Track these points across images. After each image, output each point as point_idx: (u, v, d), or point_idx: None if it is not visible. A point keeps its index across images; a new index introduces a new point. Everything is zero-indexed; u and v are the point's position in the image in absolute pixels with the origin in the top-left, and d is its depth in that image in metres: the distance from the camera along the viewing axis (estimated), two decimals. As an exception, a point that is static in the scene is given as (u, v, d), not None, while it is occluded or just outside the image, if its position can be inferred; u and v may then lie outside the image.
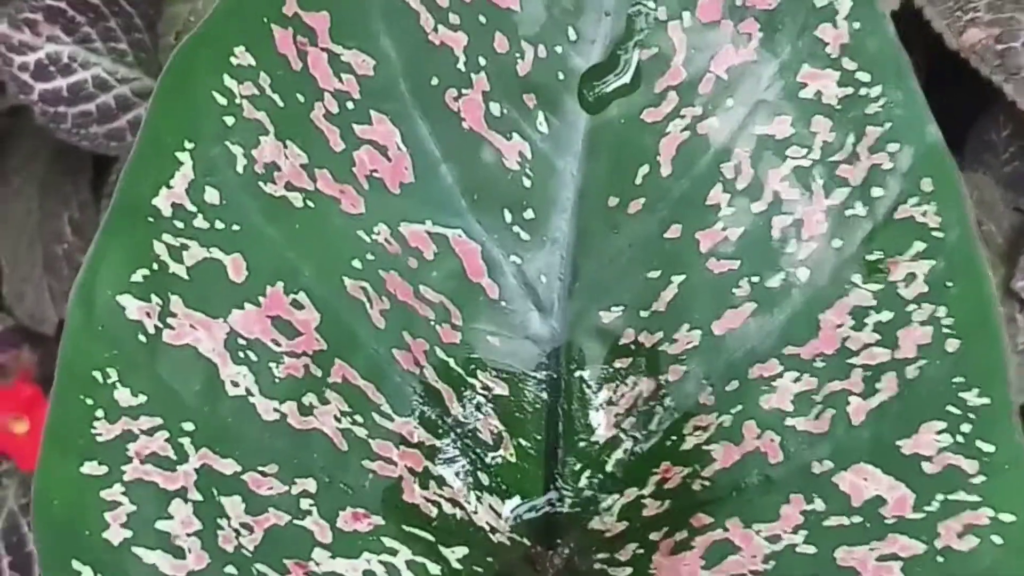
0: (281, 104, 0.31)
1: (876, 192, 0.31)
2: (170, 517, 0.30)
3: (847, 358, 0.31)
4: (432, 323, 0.31)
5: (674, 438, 0.32)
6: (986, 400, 0.30)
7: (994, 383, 0.30)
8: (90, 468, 0.30)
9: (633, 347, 0.32)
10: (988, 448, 0.30)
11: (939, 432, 0.30)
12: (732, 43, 0.31)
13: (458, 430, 0.32)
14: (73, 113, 0.55)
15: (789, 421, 0.31)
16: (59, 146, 0.60)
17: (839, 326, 0.31)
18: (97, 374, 0.30)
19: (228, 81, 0.30)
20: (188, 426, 0.30)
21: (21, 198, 0.65)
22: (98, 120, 0.56)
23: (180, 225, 0.30)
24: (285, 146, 0.31)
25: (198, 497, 0.30)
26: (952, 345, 0.30)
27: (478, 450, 0.32)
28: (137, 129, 0.58)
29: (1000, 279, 0.50)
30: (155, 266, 0.30)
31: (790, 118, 0.31)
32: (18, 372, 0.69)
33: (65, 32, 0.55)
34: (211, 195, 0.30)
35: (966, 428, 0.30)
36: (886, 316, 0.31)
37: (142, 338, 0.30)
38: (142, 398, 0.30)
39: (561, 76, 0.31)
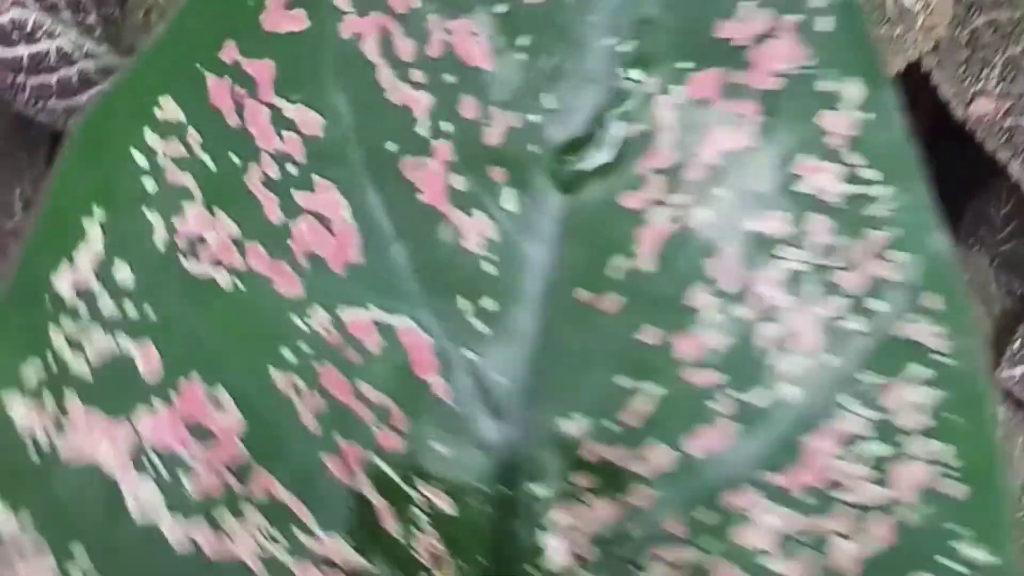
0: (212, 167, 0.31)
1: (876, 305, 0.33)
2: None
3: (834, 493, 0.33)
4: (371, 426, 0.32)
5: (639, 572, 0.33)
6: (996, 560, 0.32)
7: (1003, 540, 0.32)
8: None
9: (597, 463, 0.33)
10: (995, 615, 0.32)
11: (940, 592, 0.32)
12: (726, 125, 0.33)
13: (393, 549, 0.33)
14: (33, 84, 0.58)
15: (767, 563, 0.33)
16: (19, 117, 0.62)
17: (826, 454, 0.33)
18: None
19: (150, 137, 0.31)
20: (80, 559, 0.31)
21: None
22: (57, 94, 0.58)
23: (84, 310, 0.30)
24: (213, 216, 0.31)
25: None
26: (958, 491, 0.32)
27: (414, 573, 0.33)
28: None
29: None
30: (51, 361, 0.30)
31: (785, 214, 0.33)
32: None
33: (32, -3, 0.57)
34: (122, 274, 0.31)
35: (971, 591, 0.32)
36: (880, 448, 0.33)
37: (34, 451, 0.30)
38: (28, 520, 0.30)
39: (534, 149, 0.33)
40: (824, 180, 0.32)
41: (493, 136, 0.32)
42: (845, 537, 0.32)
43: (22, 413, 0.30)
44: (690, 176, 0.32)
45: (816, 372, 0.33)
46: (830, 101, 0.32)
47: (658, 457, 0.33)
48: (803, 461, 0.33)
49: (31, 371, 0.30)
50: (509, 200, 0.32)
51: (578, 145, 0.32)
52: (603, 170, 0.32)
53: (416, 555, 0.33)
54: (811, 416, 0.33)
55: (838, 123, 0.32)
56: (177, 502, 0.31)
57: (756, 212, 0.32)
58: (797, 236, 0.32)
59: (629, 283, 0.33)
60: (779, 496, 0.33)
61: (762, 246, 0.33)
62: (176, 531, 0.31)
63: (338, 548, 0.32)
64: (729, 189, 0.32)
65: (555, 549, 0.33)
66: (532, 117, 0.32)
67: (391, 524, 0.32)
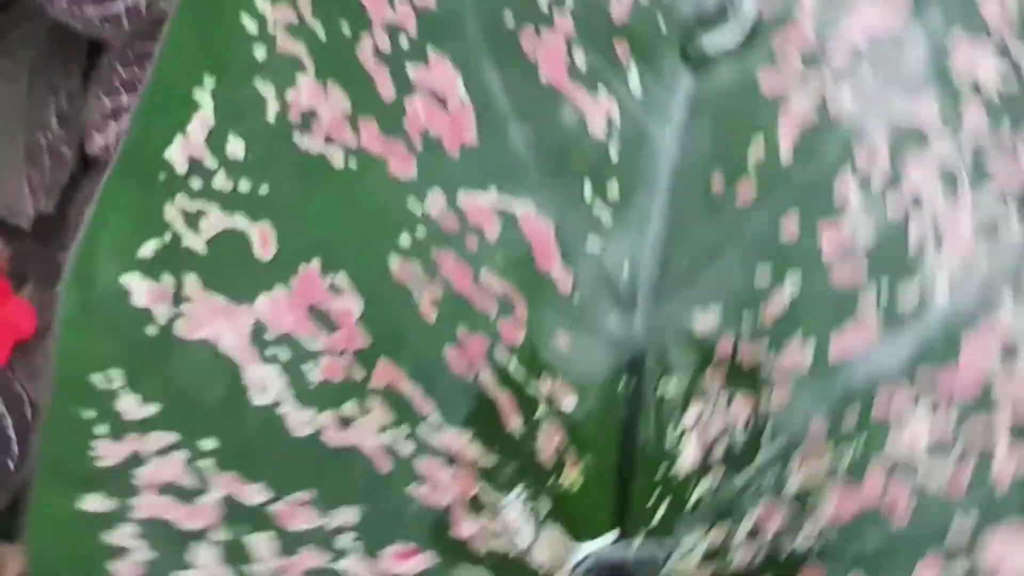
0: (323, 36, 0.30)
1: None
2: (191, 567, 0.30)
3: (990, 398, 0.31)
4: (492, 318, 0.31)
5: (775, 474, 0.32)
6: None
7: None
8: (91, 503, 0.29)
9: (731, 359, 0.32)
10: None
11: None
12: (874, 3, 0.31)
13: (516, 447, 0.32)
14: (68, -10, 0.58)
15: (921, 469, 0.31)
16: (54, 31, 0.63)
17: (982, 355, 0.31)
18: (97, 377, 0.29)
19: (260, 3, 0.30)
20: (209, 443, 0.30)
21: (10, 81, 0.67)
22: (94, 0, 0.58)
23: (197, 185, 0.30)
24: (325, 89, 0.30)
25: (224, 536, 0.30)
26: None
27: (537, 473, 0.32)
28: (134, 18, 0.62)
29: None
30: (167, 237, 0.29)
31: (938, 102, 0.31)
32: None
33: (68, -99, 0.57)
34: (235, 147, 0.30)
35: None
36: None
37: (152, 330, 0.30)
38: (154, 408, 0.30)
39: (663, 25, 0.31)
40: (979, 59, 0.30)
41: (619, 10, 0.30)
42: (1005, 445, 0.30)
43: (140, 289, 0.29)
44: (833, 57, 0.30)
45: (972, 268, 0.31)
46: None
47: (801, 354, 0.31)
48: (956, 363, 0.31)
49: (147, 246, 0.30)
50: (635, 79, 0.30)
51: (710, 21, 0.31)
52: (739, 50, 0.31)
53: (541, 454, 0.31)
54: (964, 316, 0.31)
55: (996, 4, 0.30)
56: (300, 387, 0.30)
57: (906, 97, 0.30)
58: (950, 123, 0.30)
59: (768, 169, 0.31)
60: (932, 398, 0.31)
61: (912, 133, 0.30)
62: (297, 416, 0.30)
63: (461, 443, 0.31)
64: (877, 72, 0.30)
65: (686, 449, 0.31)
66: (663, -11, 0.30)
67: (514, 420, 0.31)
